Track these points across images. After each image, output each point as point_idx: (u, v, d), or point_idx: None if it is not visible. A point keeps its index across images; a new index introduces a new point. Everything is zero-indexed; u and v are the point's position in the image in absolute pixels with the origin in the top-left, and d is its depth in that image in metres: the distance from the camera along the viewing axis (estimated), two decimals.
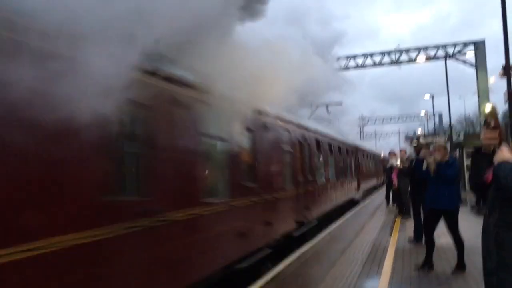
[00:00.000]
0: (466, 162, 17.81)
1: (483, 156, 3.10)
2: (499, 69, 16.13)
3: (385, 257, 8.08)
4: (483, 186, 3.04)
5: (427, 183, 7.34)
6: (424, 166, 7.41)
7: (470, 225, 10.43)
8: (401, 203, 14.16)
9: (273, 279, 6.94)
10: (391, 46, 30.46)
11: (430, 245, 7.15)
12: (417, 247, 8.86)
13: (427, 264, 7.04)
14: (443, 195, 6.86)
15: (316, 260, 8.27)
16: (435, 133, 44.11)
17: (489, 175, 2.96)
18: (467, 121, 68.21)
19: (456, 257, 7.03)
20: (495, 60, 58.26)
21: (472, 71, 26.53)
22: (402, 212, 13.75)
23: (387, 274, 6.85)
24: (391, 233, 10.73)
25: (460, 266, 6.81)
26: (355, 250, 8.94)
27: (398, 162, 14.33)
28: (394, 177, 14.45)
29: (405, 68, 31.09)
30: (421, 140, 9.73)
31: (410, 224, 12.06)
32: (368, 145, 36.40)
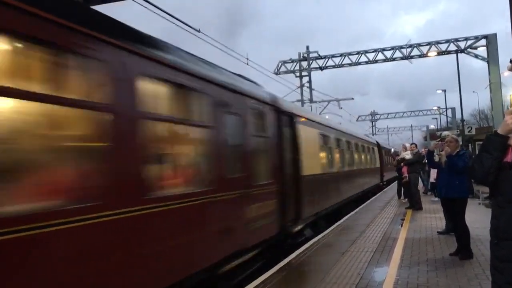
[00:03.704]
0: None
1: (497, 137, 3.10)
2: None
3: (394, 247, 8.26)
4: (506, 167, 3.07)
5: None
6: (436, 158, 7.71)
7: (478, 217, 10.59)
8: (411, 196, 14.32)
9: (284, 267, 7.19)
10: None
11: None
12: (428, 239, 9.04)
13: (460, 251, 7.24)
14: (453, 185, 7.22)
15: (327, 249, 8.48)
16: (447, 127, 43.95)
17: (508, 156, 3.04)
18: (481, 115, 67.79)
19: (457, 245, 7.32)
20: (506, 54, 57.89)
21: (479, 66, 26.58)
22: (413, 205, 13.92)
23: (396, 262, 7.04)
24: (401, 225, 10.90)
25: (467, 253, 7.00)
26: (365, 240, 9.13)
27: (407, 156, 14.49)
28: (405, 170, 14.57)
29: (413, 64, 31.00)
30: (442, 135, 10.20)
31: (420, 216, 12.25)
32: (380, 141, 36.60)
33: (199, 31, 12.14)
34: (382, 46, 31.50)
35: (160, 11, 9.69)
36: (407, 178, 14.40)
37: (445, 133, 8.95)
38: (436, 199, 16.23)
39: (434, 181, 15.87)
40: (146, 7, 9.37)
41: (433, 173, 15.31)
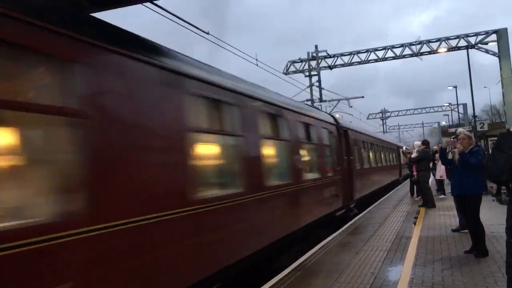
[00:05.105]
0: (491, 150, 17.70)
1: (510, 135, 3.12)
2: None
3: (408, 245, 8.23)
4: None
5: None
6: (450, 155, 7.65)
7: (492, 214, 10.51)
8: (423, 194, 14.24)
9: (298, 267, 7.20)
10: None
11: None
12: (443, 237, 8.99)
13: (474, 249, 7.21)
14: (467, 182, 7.18)
15: (341, 249, 8.48)
16: (459, 124, 43.59)
17: None
18: (493, 110, 67.17)
19: (472, 242, 7.28)
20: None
21: (489, 62, 26.33)
22: (426, 203, 13.84)
23: (411, 261, 7.02)
24: (415, 223, 10.84)
25: (482, 251, 6.95)
26: (379, 239, 9.11)
27: (413, 154, 14.46)
28: (414, 168, 14.52)
29: (421, 62, 30.24)
30: (457, 131, 10.14)
31: (433, 214, 12.17)
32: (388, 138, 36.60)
33: (208, 33, 12.17)
34: (390, 44, 31.16)
35: (167, 13, 9.69)
36: (416, 176, 14.36)
37: (459, 129, 8.85)
38: (441, 196, 16.14)
39: (441, 178, 15.85)
40: (152, 9, 9.38)
41: (439, 170, 15.25)
